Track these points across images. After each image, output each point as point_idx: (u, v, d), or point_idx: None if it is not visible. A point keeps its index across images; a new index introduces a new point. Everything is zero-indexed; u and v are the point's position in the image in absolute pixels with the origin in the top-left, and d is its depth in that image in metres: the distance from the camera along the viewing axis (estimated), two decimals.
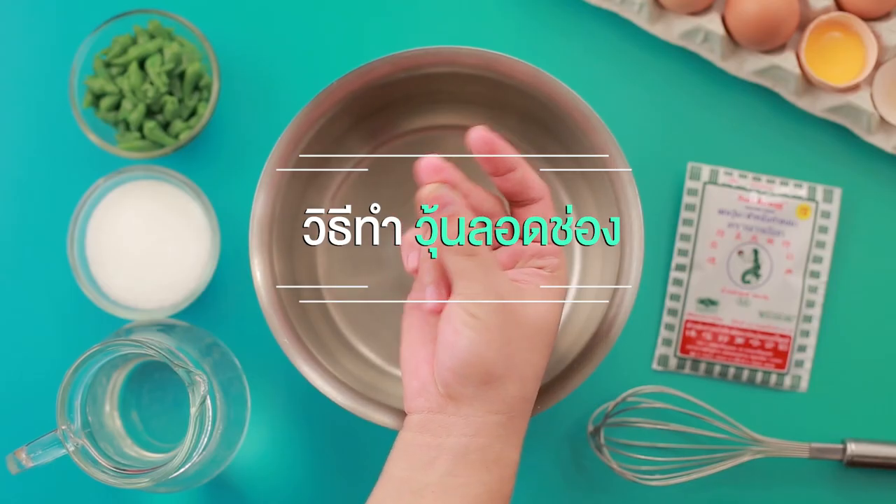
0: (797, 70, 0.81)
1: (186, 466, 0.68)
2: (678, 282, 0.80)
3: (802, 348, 0.80)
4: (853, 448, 0.80)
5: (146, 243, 0.80)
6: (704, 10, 0.81)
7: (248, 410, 0.78)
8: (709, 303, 0.79)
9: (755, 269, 0.78)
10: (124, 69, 0.81)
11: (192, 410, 0.67)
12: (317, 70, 0.84)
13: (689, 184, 0.80)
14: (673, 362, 0.81)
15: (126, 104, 0.80)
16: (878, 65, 0.81)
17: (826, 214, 0.80)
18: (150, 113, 0.81)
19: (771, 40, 0.80)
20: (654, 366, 0.81)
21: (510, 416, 0.61)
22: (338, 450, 0.82)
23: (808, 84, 0.82)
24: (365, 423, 0.71)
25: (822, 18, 0.81)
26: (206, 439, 0.69)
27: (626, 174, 0.73)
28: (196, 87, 0.82)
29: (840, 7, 0.82)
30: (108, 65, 0.81)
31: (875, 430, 0.82)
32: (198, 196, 0.80)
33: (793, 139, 0.83)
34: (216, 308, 0.82)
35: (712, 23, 0.81)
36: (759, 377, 0.80)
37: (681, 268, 0.80)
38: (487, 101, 0.77)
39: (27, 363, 0.82)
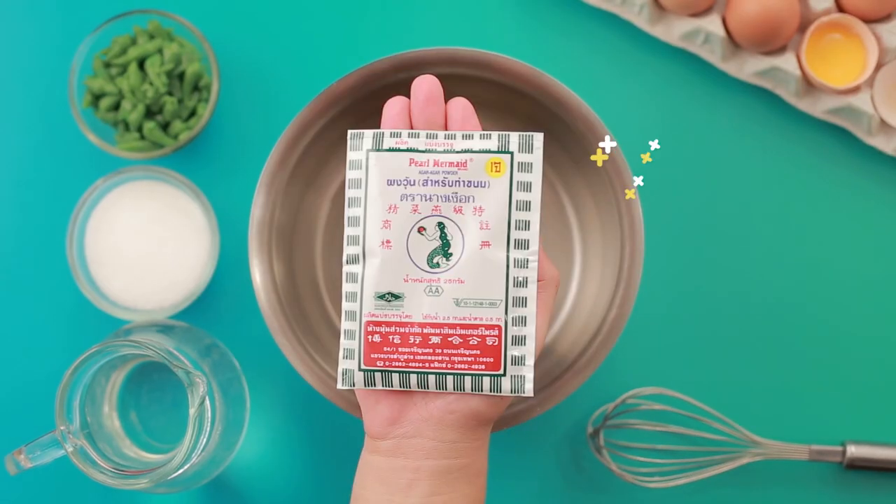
0: (797, 72, 0.81)
1: (185, 467, 0.68)
2: (353, 277, 0.62)
3: (520, 340, 0.61)
4: (853, 450, 0.80)
5: (145, 244, 0.80)
6: (705, 12, 0.81)
7: (247, 411, 0.78)
8: (390, 297, 0.61)
9: (443, 248, 0.61)
10: (124, 69, 0.81)
11: (191, 411, 0.67)
12: (317, 71, 0.84)
13: (350, 155, 0.62)
14: (359, 377, 0.62)
15: (125, 104, 0.80)
16: (878, 66, 0.81)
17: (526, 167, 0.61)
18: (149, 113, 0.81)
19: (771, 42, 0.80)
20: (340, 385, 0.62)
21: (488, 437, 0.63)
22: (336, 450, 0.82)
23: (809, 86, 0.82)
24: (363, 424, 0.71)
25: (823, 20, 0.81)
26: (205, 440, 0.69)
27: (626, 175, 0.73)
28: (195, 88, 0.82)
29: (841, 9, 0.82)
30: (107, 65, 0.81)
31: (875, 432, 0.82)
32: (197, 196, 0.80)
33: (793, 141, 0.83)
34: (215, 309, 0.82)
35: (713, 24, 0.81)
36: (468, 383, 0.61)
37: (353, 259, 0.62)
38: (488, 102, 0.76)
39: (26, 364, 0.82)
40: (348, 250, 0.62)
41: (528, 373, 0.61)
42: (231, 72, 0.83)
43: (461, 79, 0.74)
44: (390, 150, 0.61)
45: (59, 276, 0.82)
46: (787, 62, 0.81)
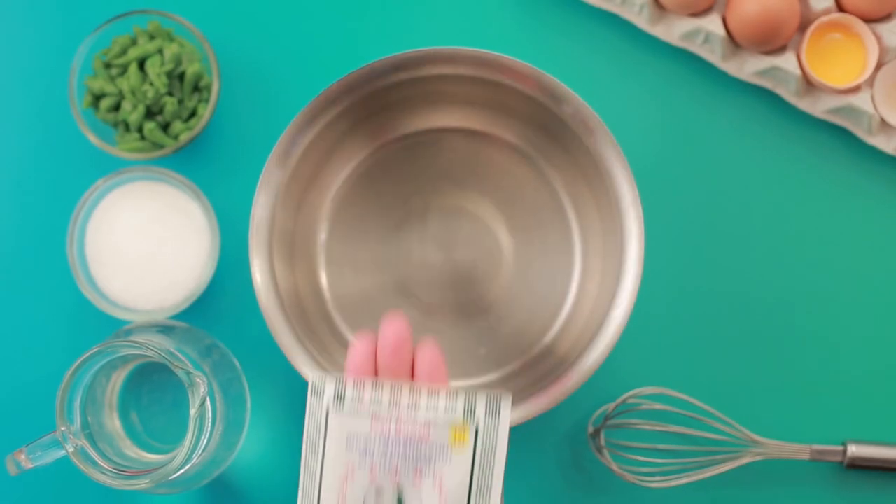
0: (798, 71, 0.81)
1: (186, 468, 0.68)
2: None
3: None
4: (853, 450, 0.80)
5: (146, 244, 0.80)
6: (705, 12, 0.81)
7: (247, 411, 0.78)
8: None
9: None
10: (124, 70, 0.81)
11: (192, 411, 0.67)
12: (317, 71, 0.84)
13: (309, 416, 0.59)
14: None
15: (126, 105, 0.80)
16: (878, 66, 0.81)
17: (491, 435, 0.58)
18: (149, 114, 0.81)
19: (772, 41, 0.80)
20: None
21: None
22: None
23: (809, 85, 0.82)
24: None
25: (823, 19, 0.81)
26: (205, 440, 0.69)
27: (625, 175, 0.73)
28: (196, 88, 0.82)
29: (841, 8, 0.82)
30: (107, 65, 0.81)
31: (876, 431, 0.82)
32: (197, 197, 0.80)
33: (793, 141, 0.83)
34: (216, 309, 0.82)
35: (713, 24, 0.81)
36: None
37: None
38: (487, 103, 0.77)
39: (27, 364, 0.82)
40: (305, 500, 0.58)
41: None
42: (231, 72, 0.83)
43: (460, 79, 0.74)
44: (351, 411, 0.58)
45: (60, 277, 0.82)
46: (787, 62, 0.81)
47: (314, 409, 0.58)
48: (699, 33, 0.81)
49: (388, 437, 0.57)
